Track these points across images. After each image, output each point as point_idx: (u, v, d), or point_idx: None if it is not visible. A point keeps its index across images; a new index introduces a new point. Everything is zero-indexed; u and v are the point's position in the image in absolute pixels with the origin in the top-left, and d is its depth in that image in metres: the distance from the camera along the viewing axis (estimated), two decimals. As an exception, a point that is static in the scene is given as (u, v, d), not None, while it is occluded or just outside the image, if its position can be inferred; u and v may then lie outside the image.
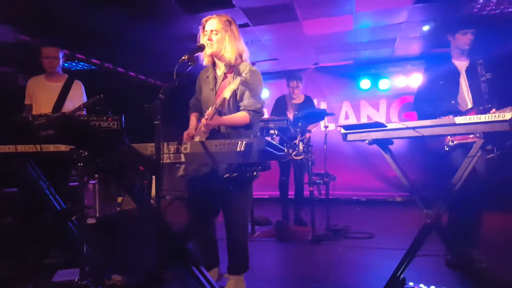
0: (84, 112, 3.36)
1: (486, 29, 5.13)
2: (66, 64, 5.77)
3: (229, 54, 2.33)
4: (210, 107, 2.24)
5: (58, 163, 3.04)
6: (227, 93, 2.13)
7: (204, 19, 2.37)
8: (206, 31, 2.33)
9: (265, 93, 7.58)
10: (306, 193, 4.49)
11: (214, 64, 2.46)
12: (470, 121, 1.99)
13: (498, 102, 2.79)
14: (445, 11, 4.75)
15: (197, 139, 2.27)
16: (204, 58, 2.39)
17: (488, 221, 3.04)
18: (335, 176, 4.73)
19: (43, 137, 1.94)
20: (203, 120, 2.18)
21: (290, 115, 4.71)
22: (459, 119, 2.03)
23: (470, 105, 2.99)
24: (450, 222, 3.02)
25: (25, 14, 4.23)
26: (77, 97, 3.45)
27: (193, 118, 2.58)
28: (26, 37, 4.71)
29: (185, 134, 2.42)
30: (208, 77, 2.46)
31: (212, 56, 2.38)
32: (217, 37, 2.30)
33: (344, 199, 6.51)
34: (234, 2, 4.28)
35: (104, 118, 2.19)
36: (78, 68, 6.13)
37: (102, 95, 2.88)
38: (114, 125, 2.18)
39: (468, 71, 3.06)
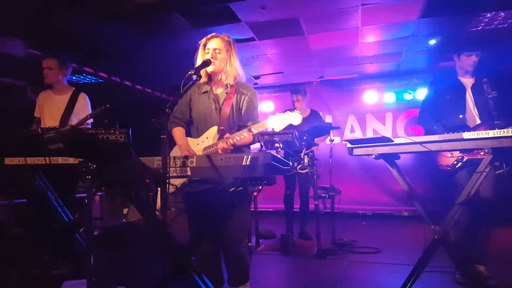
0: (89, 124, 3.42)
1: (493, 44, 5.17)
2: (74, 78, 5.88)
3: (230, 73, 2.37)
4: (216, 128, 2.29)
5: (66, 175, 3.07)
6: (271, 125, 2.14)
7: (205, 38, 2.40)
8: (208, 49, 2.35)
9: (269, 106, 7.63)
10: (311, 206, 4.47)
11: (210, 81, 2.47)
12: (479, 137, 1.99)
13: (505, 119, 2.79)
14: (451, 26, 4.78)
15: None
16: (202, 74, 2.39)
17: (497, 237, 2.99)
18: (340, 190, 4.71)
19: (53, 150, 1.97)
20: (224, 144, 2.16)
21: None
22: (467, 135, 2.03)
23: (478, 121, 3.00)
24: (458, 238, 2.98)
25: (36, 29, 4.34)
26: (83, 110, 3.49)
27: (179, 133, 2.49)
28: (37, 52, 4.82)
29: (185, 152, 2.32)
30: (206, 92, 2.44)
31: (212, 73, 2.40)
32: (220, 56, 2.35)
33: (349, 213, 6.46)
34: (240, 17, 4.35)
35: (112, 131, 2.22)
36: (86, 81, 6.23)
37: (108, 105, 2.93)
38: (121, 138, 2.21)
39: (474, 88, 3.08)
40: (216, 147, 2.25)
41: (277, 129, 2.13)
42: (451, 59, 3.26)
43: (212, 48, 2.34)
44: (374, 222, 6.29)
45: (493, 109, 2.83)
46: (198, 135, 2.42)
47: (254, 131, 2.16)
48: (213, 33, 2.40)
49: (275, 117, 2.14)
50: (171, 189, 2.22)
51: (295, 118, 2.10)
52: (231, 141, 2.18)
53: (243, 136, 2.18)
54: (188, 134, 2.51)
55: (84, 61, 5.51)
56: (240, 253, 2.42)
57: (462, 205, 2.12)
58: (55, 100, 3.53)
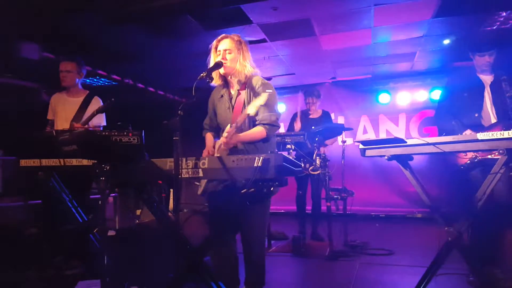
0: (104, 123, 3.46)
1: (509, 43, 5.06)
2: (88, 80, 5.97)
3: (242, 72, 2.37)
4: (229, 125, 2.28)
5: (80, 176, 3.12)
6: (251, 109, 2.11)
7: (216, 40, 2.40)
8: (219, 51, 2.36)
9: (281, 108, 7.61)
10: (323, 208, 4.44)
11: (226, 83, 2.48)
12: (493, 137, 1.96)
13: None
14: (466, 25, 4.70)
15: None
16: (215, 78, 2.40)
17: (511, 238, 2.94)
18: (353, 192, 4.67)
19: (67, 152, 2.00)
20: (223, 139, 2.19)
21: (297, 127, 4.70)
22: (481, 135, 1.99)
23: (494, 120, 2.94)
24: (472, 240, 2.93)
25: (50, 32, 4.42)
26: None
27: (209, 136, 2.57)
28: (50, 55, 4.90)
29: (205, 152, 2.40)
30: (222, 96, 2.47)
31: (225, 75, 2.41)
32: (230, 56, 2.35)
33: (362, 215, 6.40)
34: (251, 18, 4.36)
35: (125, 133, 2.25)
36: (100, 84, 6.32)
37: (113, 99, 2.96)
38: (134, 140, 2.24)
39: (493, 86, 3.03)
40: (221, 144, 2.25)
41: (251, 113, 2.11)
42: (466, 59, 3.22)
43: (222, 50, 2.35)
44: (387, 223, 6.23)
45: (510, 108, 2.78)
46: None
47: (239, 123, 2.15)
48: (223, 34, 2.41)
49: (252, 104, 2.12)
50: (199, 191, 2.25)
51: (263, 98, 2.10)
52: (227, 134, 2.17)
53: (232, 128, 2.17)
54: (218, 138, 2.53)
55: (98, 64, 5.60)
56: (258, 256, 2.42)
57: (477, 207, 2.09)
58: (69, 102, 3.58)
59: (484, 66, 3.05)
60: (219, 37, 2.40)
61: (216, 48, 2.38)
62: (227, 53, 2.35)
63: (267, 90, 2.29)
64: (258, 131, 2.30)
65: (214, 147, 2.38)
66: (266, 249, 4.32)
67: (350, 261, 3.76)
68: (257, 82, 2.38)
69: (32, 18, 4.03)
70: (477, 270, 2.41)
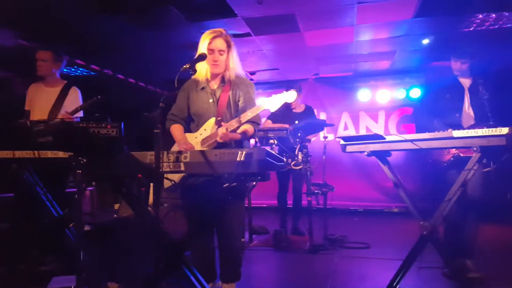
0: (81, 114, 3.36)
1: (485, 45, 5.21)
2: (65, 70, 5.79)
3: (232, 72, 2.37)
4: (214, 119, 2.29)
5: (56, 169, 3.02)
6: (244, 118, 2.18)
7: (208, 35, 2.31)
8: (212, 50, 2.30)
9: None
10: (304, 202, 4.48)
11: (207, 78, 2.43)
12: (468, 135, 2.01)
13: (498, 120, 2.83)
14: (444, 26, 4.80)
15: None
16: (202, 72, 2.35)
17: (483, 233, 3.06)
18: (333, 187, 4.74)
19: (42, 144, 1.93)
20: (223, 130, 2.16)
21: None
22: (456, 133, 2.05)
23: (472, 122, 3.04)
24: (446, 233, 3.03)
25: (26, 19, 4.26)
26: (74, 103, 3.41)
27: (179, 128, 2.46)
28: (26, 42, 4.73)
29: (183, 146, 2.27)
30: (204, 88, 2.42)
31: (214, 75, 2.39)
32: (222, 57, 2.33)
33: (341, 209, 6.50)
34: (236, 12, 4.31)
35: (103, 125, 2.20)
36: (77, 74, 6.15)
37: (100, 96, 2.88)
38: (113, 132, 2.19)
39: (471, 89, 3.12)
40: (215, 136, 2.22)
41: (272, 109, 2.16)
42: (444, 59, 3.30)
43: (217, 50, 2.31)
44: (365, 218, 6.35)
45: (488, 110, 2.87)
46: (196, 129, 2.40)
47: (245, 119, 2.17)
48: (215, 30, 2.33)
49: (270, 98, 2.16)
50: (168, 184, 2.20)
51: (289, 96, 2.14)
52: (230, 127, 2.17)
53: (236, 123, 2.18)
54: (188, 131, 2.48)
55: (76, 53, 5.43)
56: (236, 250, 2.42)
57: (451, 201, 2.15)
58: (46, 92, 3.46)
59: (457, 71, 3.15)
60: (213, 33, 2.31)
61: (209, 44, 2.30)
62: (220, 54, 2.32)
63: (253, 91, 2.42)
64: (250, 130, 2.32)
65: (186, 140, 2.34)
66: (248, 243, 4.34)
67: (329, 254, 3.82)
68: (243, 81, 2.43)
69: (8, 3, 3.86)
70: (450, 262, 2.50)
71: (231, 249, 2.40)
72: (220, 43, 2.32)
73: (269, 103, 2.16)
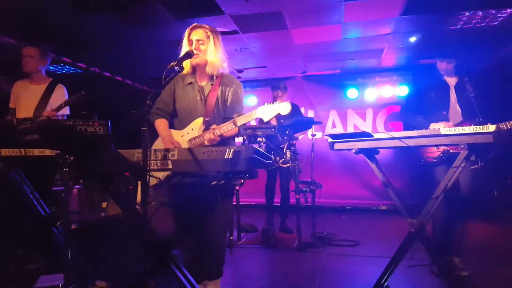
0: (68, 112, 3.32)
1: (471, 42, 5.29)
2: (51, 68, 5.70)
3: (214, 64, 2.34)
4: (202, 119, 2.28)
5: (43, 167, 2.99)
6: (241, 122, 2.17)
7: (189, 28, 2.35)
8: (191, 40, 2.32)
9: (252, 101, 7.61)
10: (292, 200, 4.50)
11: (194, 73, 2.44)
12: (455, 133, 2.04)
13: (487, 117, 2.88)
14: (431, 24, 4.86)
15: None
16: (186, 66, 2.35)
17: (471, 230, 3.11)
18: (321, 184, 4.77)
19: (28, 142, 1.90)
20: (211, 135, 2.16)
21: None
22: (444, 130, 2.07)
23: (460, 118, 3.08)
24: (434, 231, 3.07)
25: (11, 16, 4.18)
26: (59, 101, 3.37)
27: (164, 123, 2.45)
28: (11, 40, 4.63)
29: (168, 144, 2.28)
30: (191, 83, 2.42)
31: (196, 66, 2.37)
32: (203, 47, 2.32)
33: (329, 207, 6.54)
34: (223, 9, 4.30)
35: (90, 123, 2.17)
36: (64, 71, 6.06)
37: (83, 92, 2.85)
38: (100, 130, 2.16)
39: (457, 87, 3.17)
40: (202, 139, 2.23)
41: (265, 119, 2.14)
42: (431, 57, 3.34)
43: (195, 40, 2.31)
44: (353, 215, 6.40)
45: (475, 107, 2.92)
46: (182, 126, 2.38)
47: (238, 123, 2.16)
48: (196, 24, 2.37)
49: (264, 107, 2.15)
50: (153, 182, 2.19)
51: (284, 107, 2.13)
52: (218, 132, 2.17)
53: (230, 128, 2.18)
54: (172, 126, 2.47)
55: (62, 51, 5.35)
56: (221, 247, 2.43)
57: (439, 199, 2.18)
58: (31, 90, 3.42)
59: (443, 72, 3.19)
60: (192, 26, 2.35)
61: (188, 36, 2.34)
62: (200, 43, 2.31)
63: (241, 91, 2.43)
64: (235, 131, 2.31)
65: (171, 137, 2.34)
66: (236, 241, 4.34)
67: (317, 252, 3.85)
68: (233, 80, 2.43)
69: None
70: (437, 259, 2.53)
71: (216, 246, 2.40)
72: (198, 34, 2.32)
73: (262, 112, 2.15)
